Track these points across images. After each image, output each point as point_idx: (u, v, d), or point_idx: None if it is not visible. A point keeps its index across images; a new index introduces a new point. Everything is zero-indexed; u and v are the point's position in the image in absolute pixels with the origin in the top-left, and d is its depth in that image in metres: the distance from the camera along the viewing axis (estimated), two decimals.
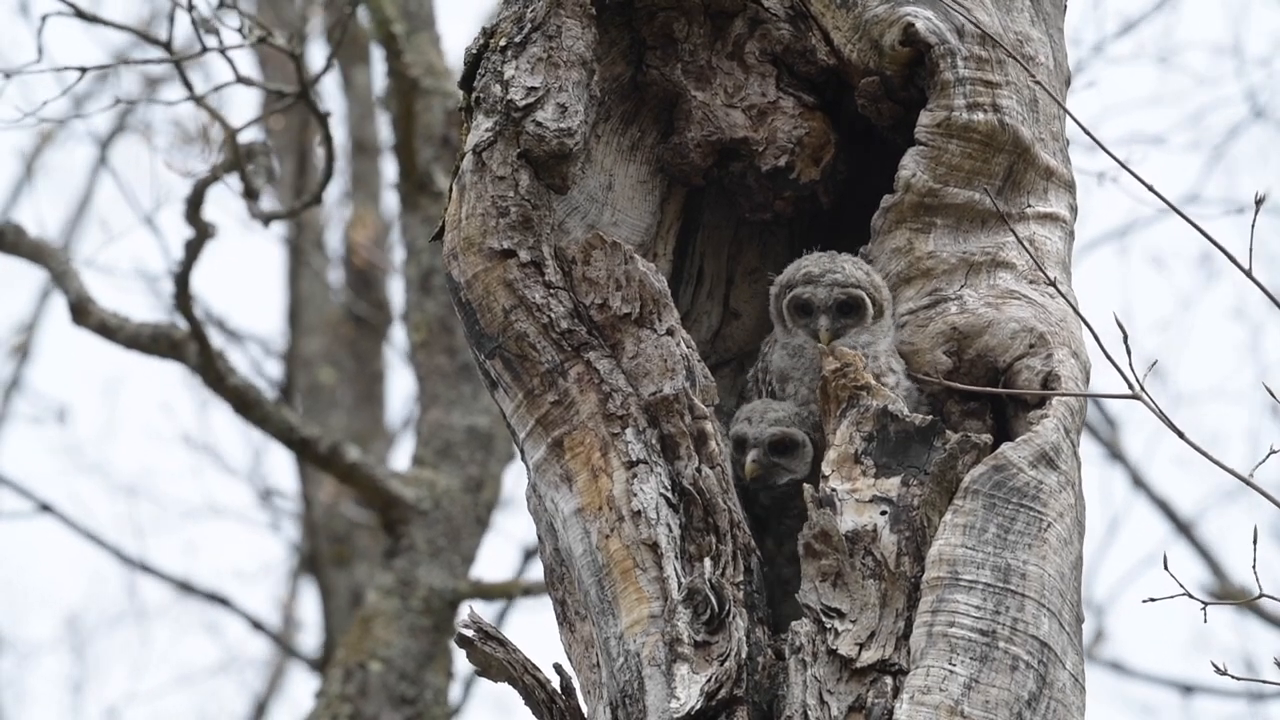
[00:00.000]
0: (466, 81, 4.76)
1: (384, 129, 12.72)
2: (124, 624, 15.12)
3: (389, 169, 12.63)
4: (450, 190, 4.74)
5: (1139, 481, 12.20)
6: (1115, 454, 12.25)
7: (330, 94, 11.58)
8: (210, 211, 7.75)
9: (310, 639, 13.35)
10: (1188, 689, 11.82)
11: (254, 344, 12.22)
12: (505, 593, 8.90)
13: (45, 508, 10.90)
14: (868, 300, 4.72)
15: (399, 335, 12.59)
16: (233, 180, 7.65)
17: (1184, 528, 12.12)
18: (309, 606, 14.14)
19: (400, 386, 13.52)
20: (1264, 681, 4.54)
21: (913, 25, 4.80)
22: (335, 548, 11.73)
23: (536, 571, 10.77)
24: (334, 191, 11.73)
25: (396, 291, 12.74)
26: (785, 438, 4.77)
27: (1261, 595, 4.45)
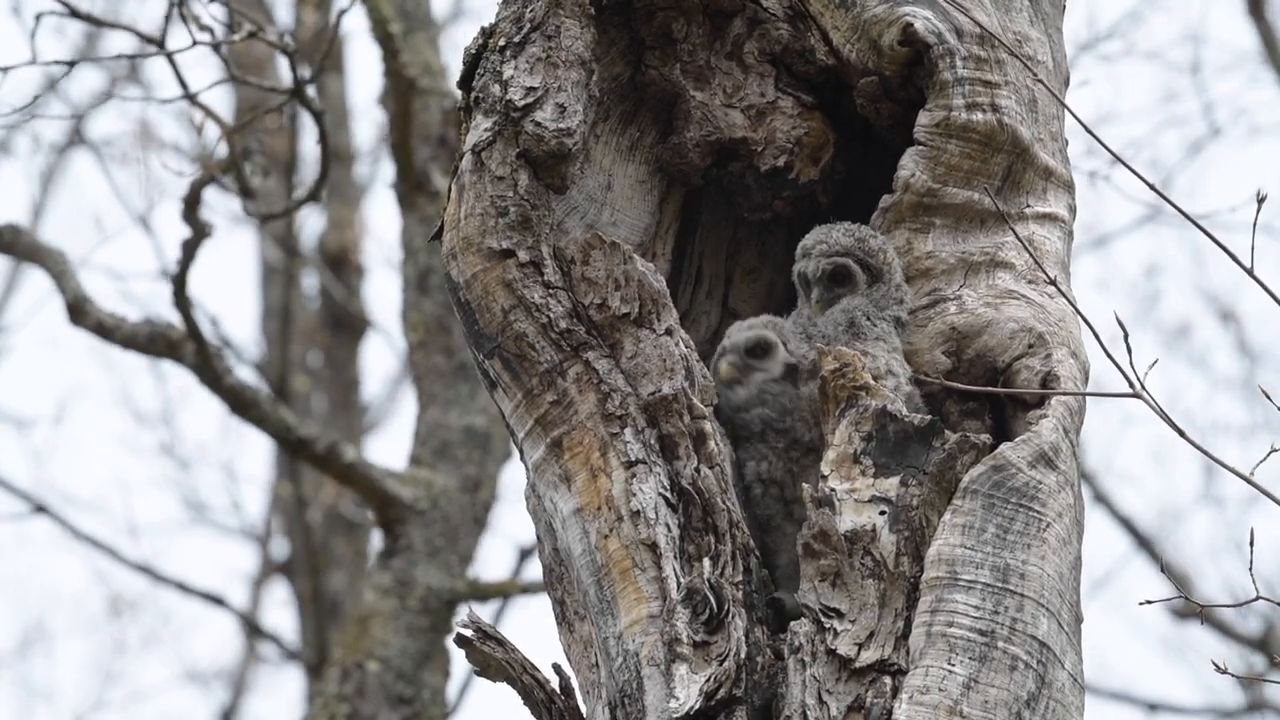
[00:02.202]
0: (465, 81, 4.76)
1: (359, 136, 12.74)
2: (93, 633, 15.14)
3: (362, 175, 12.65)
4: (449, 190, 4.73)
5: (1100, 496, 12.21)
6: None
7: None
8: (173, 220, 7.75)
9: (273, 649, 13.38)
10: (1152, 707, 11.80)
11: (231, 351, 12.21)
12: (503, 592, 8.90)
13: (40, 509, 10.89)
14: (854, 267, 4.73)
15: (375, 340, 12.61)
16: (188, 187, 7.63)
17: (1146, 543, 12.11)
18: (274, 615, 14.12)
19: (377, 389, 13.54)
20: (1264, 680, 4.53)
21: (911, 25, 4.80)
22: (312, 556, 11.73)
23: (533, 571, 10.77)
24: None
25: (375, 296, 12.75)
26: (760, 340, 4.80)
27: (1259, 597, 4.45)
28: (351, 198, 12.53)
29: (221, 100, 12.59)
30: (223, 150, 7.73)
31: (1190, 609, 11.24)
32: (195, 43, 7.17)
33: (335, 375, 12.44)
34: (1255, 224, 4.20)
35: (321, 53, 8.15)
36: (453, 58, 9.25)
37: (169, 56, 7.24)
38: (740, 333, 4.84)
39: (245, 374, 12.07)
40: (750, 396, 4.79)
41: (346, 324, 12.44)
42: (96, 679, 14.92)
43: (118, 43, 13.18)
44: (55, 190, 13.81)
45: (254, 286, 12.98)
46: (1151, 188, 4.29)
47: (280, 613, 14.81)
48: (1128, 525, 12.15)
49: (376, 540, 12.05)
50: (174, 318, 8.20)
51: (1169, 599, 4.44)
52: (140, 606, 14.90)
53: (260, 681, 14.36)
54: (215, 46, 7.23)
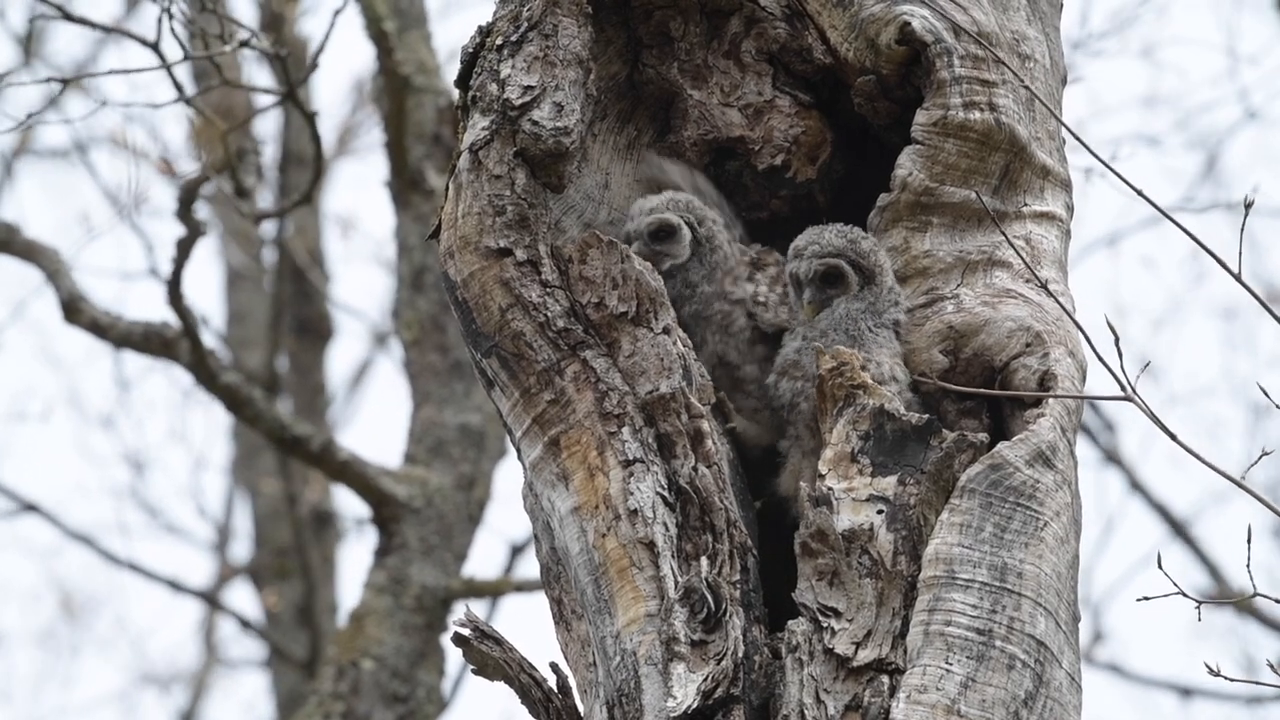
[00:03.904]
0: (463, 80, 4.76)
1: (326, 138, 12.71)
2: (53, 636, 15.11)
3: (336, 180, 12.63)
4: (446, 189, 4.73)
5: (1135, 484, 12.22)
6: (1112, 457, 12.25)
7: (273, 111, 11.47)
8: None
9: (241, 649, 13.38)
10: (1186, 691, 11.84)
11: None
12: (497, 590, 8.90)
13: (30, 507, 10.87)
14: (847, 268, 4.73)
15: (340, 345, 12.57)
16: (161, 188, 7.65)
17: (1180, 529, 12.13)
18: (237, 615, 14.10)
19: (339, 390, 13.56)
20: (1258, 683, 4.54)
21: (909, 24, 4.80)
22: (278, 561, 11.70)
23: (526, 568, 10.77)
24: (270, 203, 11.62)
25: (341, 295, 12.72)
26: (663, 224, 4.83)
27: (1256, 595, 4.46)
28: (317, 203, 12.50)
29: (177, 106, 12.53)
30: (202, 155, 7.72)
31: (1225, 595, 11.27)
32: (188, 56, 7.18)
33: (301, 380, 12.40)
34: (1243, 228, 4.22)
35: (317, 50, 8.13)
36: (445, 53, 9.24)
37: (166, 65, 7.23)
38: (642, 217, 4.85)
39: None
40: (678, 295, 4.82)
41: (311, 328, 12.39)
42: (52, 682, 14.91)
43: (60, 54, 13.09)
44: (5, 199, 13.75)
45: (218, 293, 12.95)
46: (1136, 191, 4.30)
47: (245, 613, 14.80)
48: (1163, 512, 12.17)
49: (348, 546, 12.07)
50: (155, 318, 8.21)
51: (1166, 595, 4.45)
52: (95, 609, 14.90)
53: (218, 685, 14.35)
54: (209, 57, 7.23)
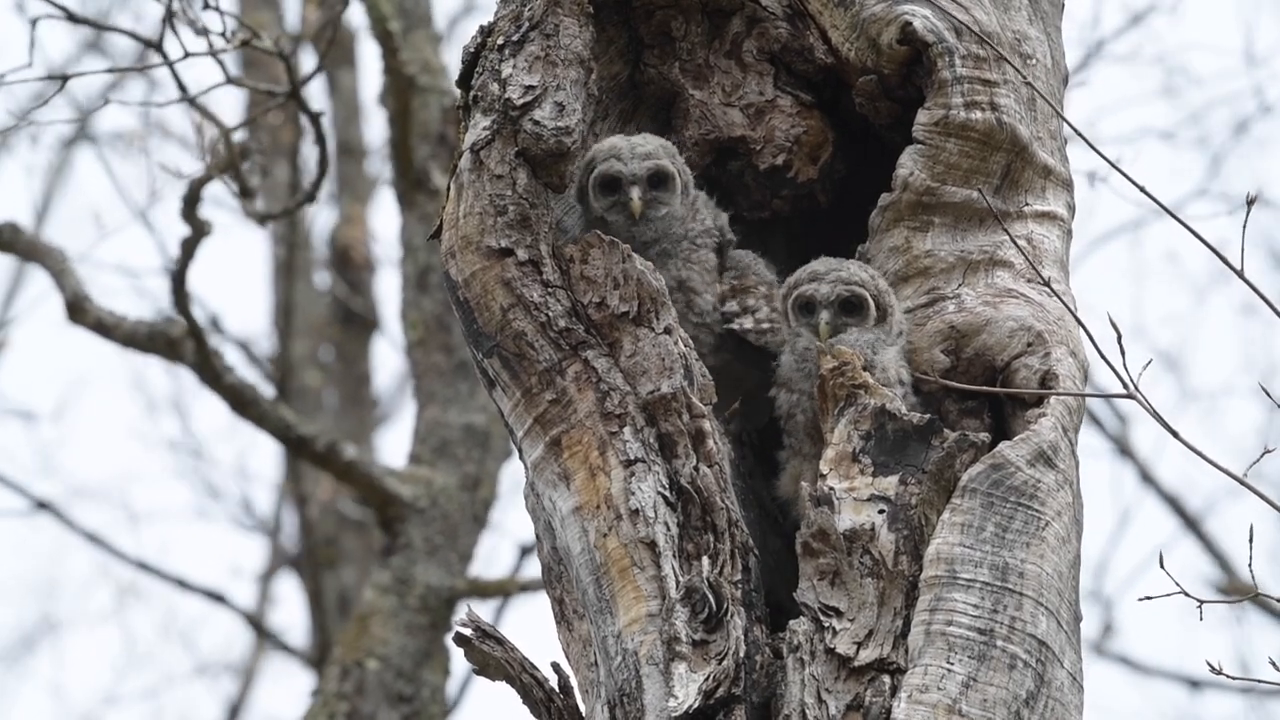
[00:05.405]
0: (464, 80, 4.76)
1: (370, 131, 12.74)
2: (103, 627, 15.13)
3: (375, 171, 12.65)
4: (448, 188, 4.73)
5: (1147, 477, 12.23)
6: (1124, 450, 12.26)
7: (315, 96, 11.52)
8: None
9: (294, 637, 13.38)
10: (1194, 684, 11.86)
11: (240, 346, 12.20)
12: (502, 591, 8.91)
13: (42, 505, 10.89)
14: (870, 300, 4.73)
15: (388, 335, 12.61)
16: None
17: (1192, 523, 12.14)
18: (283, 609, 14.10)
19: (386, 384, 13.57)
20: (1260, 681, 4.54)
21: (910, 24, 4.80)
22: (324, 550, 11.73)
23: (533, 569, 10.78)
24: (321, 194, 11.69)
25: (384, 292, 12.74)
26: (659, 170, 4.81)
27: (1257, 595, 4.46)
28: (363, 193, 12.54)
29: (231, 97, 12.59)
30: (224, 150, 7.74)
31: (1231, 588, 11.28)
32: (186, 54, 7.19)
33: (346, 370, 12.44)
34: (1245, 226, 4.21)
35: (322, 52, 8.15)
36: (452, 56, 9.26)
37: (169, 63, 7.24)
38: (638, 160, 4.81)
39: (257, 370, 12.10)
40: (656, 232, 4.82)
41: (357, 319, 12.44)
42: (106, 673, 14.94)
43: (122, 42, 13.15)
44: (62, 187, 13.80)
45: (265, 288, 13.00)
46: (1143, 191, 4.30)
47: (291, 607, 14.81)
48: (1174, 505, 12.17)
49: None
50: (161, 318, 8.23)
51: (1169, 594, 4.44)
52: (149, 599, 14.95)
53: (269, 674, 14.36)
54: (212, 53, 7.24)
